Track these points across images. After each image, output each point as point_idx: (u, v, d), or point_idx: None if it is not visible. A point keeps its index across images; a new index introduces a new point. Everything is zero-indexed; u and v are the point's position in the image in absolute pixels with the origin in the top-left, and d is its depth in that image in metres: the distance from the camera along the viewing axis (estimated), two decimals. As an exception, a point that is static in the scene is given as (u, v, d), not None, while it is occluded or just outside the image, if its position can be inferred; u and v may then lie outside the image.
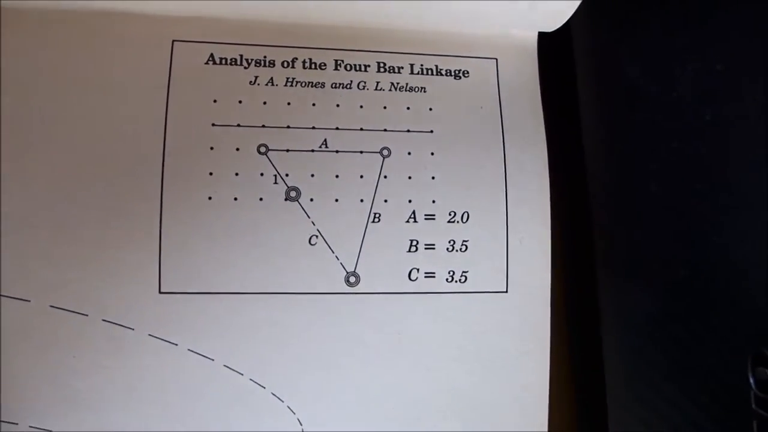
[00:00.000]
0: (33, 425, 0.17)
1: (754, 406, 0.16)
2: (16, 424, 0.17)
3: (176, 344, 0.18)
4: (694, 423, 0.18)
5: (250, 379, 0.18)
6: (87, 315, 0.18)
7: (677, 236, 0.19)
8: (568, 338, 0.21)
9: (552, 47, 0.21)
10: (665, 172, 0.19)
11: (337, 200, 0.19)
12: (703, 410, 0.17)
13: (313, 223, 0.19)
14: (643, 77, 0.20)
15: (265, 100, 0.19)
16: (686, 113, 0.19)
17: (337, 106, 0.19)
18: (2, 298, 0.17)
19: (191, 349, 0.18)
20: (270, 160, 0.19)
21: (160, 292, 0.18)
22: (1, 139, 0.18)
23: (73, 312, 0.18)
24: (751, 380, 0.16)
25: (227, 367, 0.18)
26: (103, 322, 0.18)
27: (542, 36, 0.21)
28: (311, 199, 0.19)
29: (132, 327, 0.18)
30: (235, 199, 0.18)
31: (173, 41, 0.19)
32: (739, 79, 0.17)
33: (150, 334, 0.18)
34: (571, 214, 0.21)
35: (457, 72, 0.20)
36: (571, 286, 0.22)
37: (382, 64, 0.20)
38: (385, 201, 0.19)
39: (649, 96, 0.20)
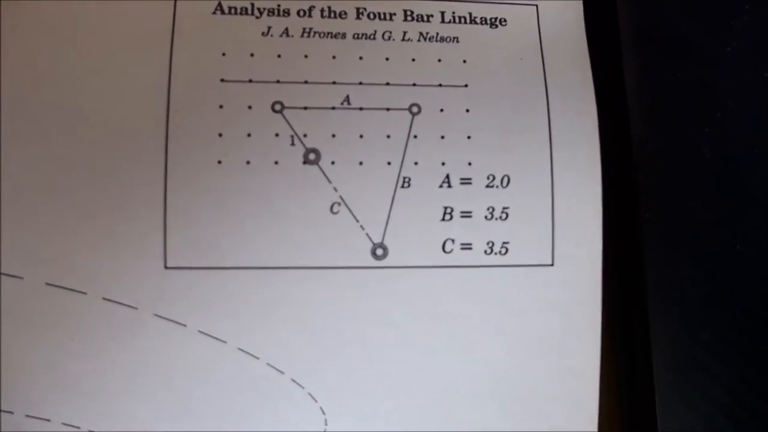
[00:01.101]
0: (29, 414, 0.16)
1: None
2: (12, 413, 0.16)
3: (185, 325, 0.16)
4: (753, 411, 0.17)
5: (267, 364, 0.17)
6: (86, 293, 0.16)
7: (733, 207, 0.18)
8: (614, 318, 0.19)
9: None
10: (720, 136, 0.18)
11: (361, 163, 0.17)
12: (763, 397, 0.17)
13: (335, 188, 0.17)
14: (694, 30, 0.18)
15: (279, 53, 0.17)
16: (743, 70, 0.18)
17: (360, 58, 0.17)
18: (-8, 274, 0.16)
19: (201, 330, 0.16)
20: (286, 119, 0.17)
21: (165, 267, 0.16)
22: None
23: (71, 290, 0.16)
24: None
25: (242, 350, 0.17)
26: (104, 300, 0.16)
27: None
28: (332, 162, 0.17)
29: (135, 306, 0.16)
30: (248, 162, 0.17)
31: (177, -11, 0.17)
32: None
33: (155, 314, 0.16)
34: (622, 182, 0.19)
35: (493, 20, 0.18)
36: (616, 260, 0.20)
37: (409, 13, 0.18)
38: (416, 164, 0.17)
39: (701, 51, 0.18)
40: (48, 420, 0.16)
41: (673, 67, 0.19)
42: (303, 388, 0.17)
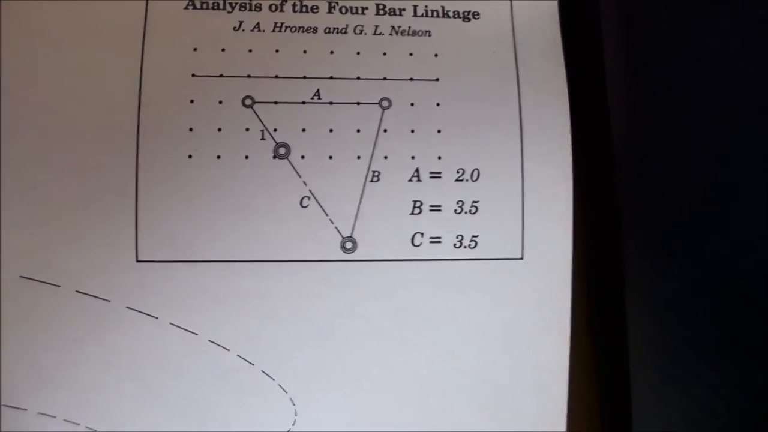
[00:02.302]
0: (6, 404, 0.16)
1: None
2: (-11, 403, 0.16)
3: (156, 317, 0.17)
4: (736, 408, 0.16)
5: (238, 355, 0.17)
6: (59, 286, 0.16)
7: (712, 203, 0.17)
8: (590, 312, 0.19)
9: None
10: (703, 132, 0.17)
11: (331, 157, 0.17)
12: (746, 393, 0.16)
13: (304, 182, 0.17)
14: (678, 26, 0.18)
15: (250, 48, 0.17)
16: (729, 67, 0.17)
17: (331, 53, 0.17)
18: (-35, 266, 0.16)
19: (173, 322, 0.17)
20: (256, 114, 0.17)
21: (137, 261, 0.16)
22: None
23: (45, 283, 0.16)
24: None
25: (212, 342, 0.17)
26: (77, 293, 0.16)
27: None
28: (302, 156, 0.17)
29: (108, 299, 0.16)
30: (218, 157, 0.17)
31: (149, -16, 0.17)
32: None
33: (128, 307, 0.17)
34: (594, 176, 0.19)
35: (465, 13, 0.18)
36: (593, 255, 0.20)
37: (381, 6, 0.18)
38: (385, 157, 0.17)
39: (686, 47, 0.18)
40: (25, 410, 0.16)
41: (655, 60, 0.19)
42: (273, 379, 0.17)
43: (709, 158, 0.17)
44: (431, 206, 0.17)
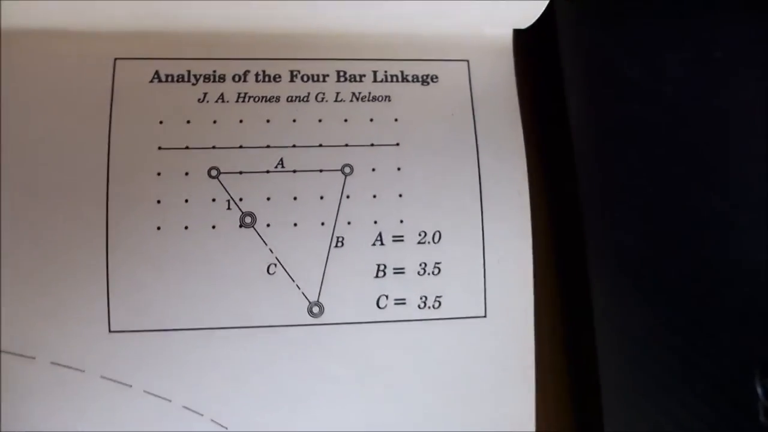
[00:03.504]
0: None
1: (762, 418, 0.15)
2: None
3: (130, 385, 0.17)
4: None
5: (211, 420, 0.17)
6: (34, 357, 0.17)
7: (673, 238, 0.18)
8: (562, 350, 0.20)
9: (528, 45, 0.19)
10: (659, 169, 0.18)
11: (296, 224, 0.17)
12: (708, 424, 0.16)
13: (270, 250, 0.17)
14: (632, 67, 0.18)
15: (215, 119, 0.18)
16: (680, 104, 0.18)
17: (294, 121, 0.18)
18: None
19: (147, 390, 0.17)
20: (222, 184, 0.17)
21: (110, 331, 0.17)
22: None
23: (20, 355, 0.17)
24: (760, 391, 0.15)
25: (186, 408, 0.17)
26: (52, 364, 0.17)
27: (517, 33, 0.19)
28: (268, 225, 0.17)
29: (82, 369, 0.17)
30: (186, 227, 0.17)
31: (115, 59, 0.18)
32: (735, 68, 0.16)
33: (102, 376, 0.17)
34: (559, 220, 0.20)
35: (424, 77, 0.19)
36: (562, 296, 0.20)
37: (342, 73, 0.18)
38: (349, 223, 0.18)
39: (642, 87, 0.18)
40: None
41: (613, 103, 0.19)
42: (246, 443, 0.17)
43: (671, 192, 0.18)
44: (395, 269, 0.18)
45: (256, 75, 0.18)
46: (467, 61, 0.19)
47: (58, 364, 0.17)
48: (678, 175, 0.17)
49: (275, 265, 0.17)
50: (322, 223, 0.18)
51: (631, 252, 0.18)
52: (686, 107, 0.17)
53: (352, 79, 0.18)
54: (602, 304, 0.19)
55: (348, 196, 0.18)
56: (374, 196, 0.18)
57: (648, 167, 0.18)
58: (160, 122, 0.18)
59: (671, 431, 0.18)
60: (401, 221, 0.18)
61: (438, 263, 0.18)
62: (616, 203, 0.19)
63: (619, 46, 0.19)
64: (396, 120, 0.18)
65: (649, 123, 0.18)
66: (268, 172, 0.18)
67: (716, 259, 0.16)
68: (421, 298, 0.18)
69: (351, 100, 0.18)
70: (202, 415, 0.17)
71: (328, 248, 0.17)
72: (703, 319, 0.16)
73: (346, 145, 0.18)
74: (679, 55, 0.18)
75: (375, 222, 0.18)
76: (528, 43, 0.20)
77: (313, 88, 0.18)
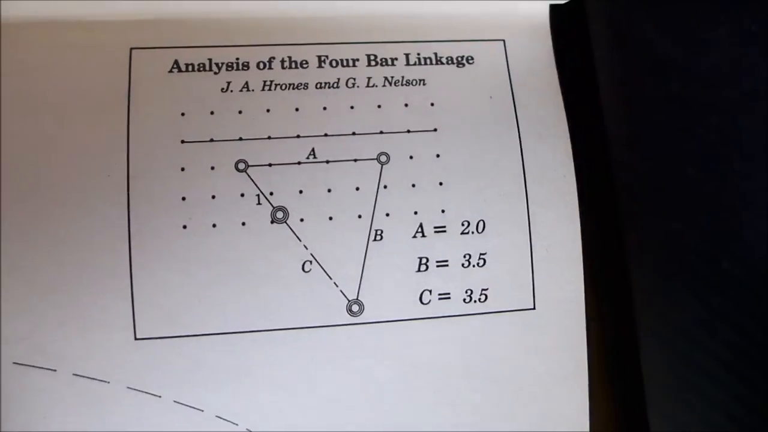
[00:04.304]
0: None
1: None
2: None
3: (159, 396, 0.16)
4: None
5: (247, 430, 0.16)
6: (55, 370, 0.16)
7: (719, 225, 0.17)
8: (607, 355, 0.19)
9: (566, 20, 0.18)
10: (703, 153, 0.17)
11: (331, 218, 0.16)
12: (760, 415, 0.16)
13: (305, 246, 0.16)
14: (669, 46, 0.18)
15: (240, 109, 0.17)
16: (722, 84, 0.17)
17: (324, 109, 0.17)
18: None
19: (177, 400, 0.16)
20: (251, 178, 0.16)
21: (135, 339, 0.16)
22: None
23: (40, 368, 0.16)
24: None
25: (220, 417, 0.16)
26: (74, 376, 0.16)
27: (554, 9, 0.18)
28: (301, 219, 0.16)
29: (107, 380, 0.16)
30: (214, 225, 0.16)
31: (131, 49, 0.17)
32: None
33: (128, 387, 0.16)
34: (598, 210, 0.19)
35: (459, 59, 0.18)
36: (602, 292, 0.19)
37: (372, 57, 0.17)
38: (387, 215, 0.17)
39: (677, 67, 0.17)
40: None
41: (650, 85, 0.18)
42: (285, 453, 0.16)
43: (716, 177, 0.17)
44: (438, 262, 0.17)
45: (282, 61, 0.17)
46: (503, 40, 0.18)
47: (81, 376, 0.16)
48: (722, 160, 0.17)
49: (310, 262, 0.16)
50: (359, 216, 0.17)
51: (674, 241, 0.17)
52: (724, 87, 0.17)
53: (384, 63, 0.17)
54: (646, 297, 0.18)
55: (385, 186, 0.17)
56: (413, 186, 0.17)
57: (690, 152, 0.17)
58: (182, 114, 0.17)
59: (722, 423, 0.17)
60: (443, 211, 0.17)
61: (483, 254, 0.17)
62: (655, 191, 0.18)
63: (653, 19, 0.18)
64: (432, 104, 0.17)
65: (689, 105, 0.17)
66: (299, 163, 0.17)
67: (766, 247, 0.15)
68: (466, 292, 0.17)
69: (384, 85, 0.17)
70: (236, 425, 0.16)
71: (366, 242, 0.16)
72: (755, 308, 0.16)
73: (381, 133, 0.17)
74: (717, 29, 0.18)
75: (415, 213, 0.17)
76: (563, 19, 0.19)
77: (343, 73, 0.17)
